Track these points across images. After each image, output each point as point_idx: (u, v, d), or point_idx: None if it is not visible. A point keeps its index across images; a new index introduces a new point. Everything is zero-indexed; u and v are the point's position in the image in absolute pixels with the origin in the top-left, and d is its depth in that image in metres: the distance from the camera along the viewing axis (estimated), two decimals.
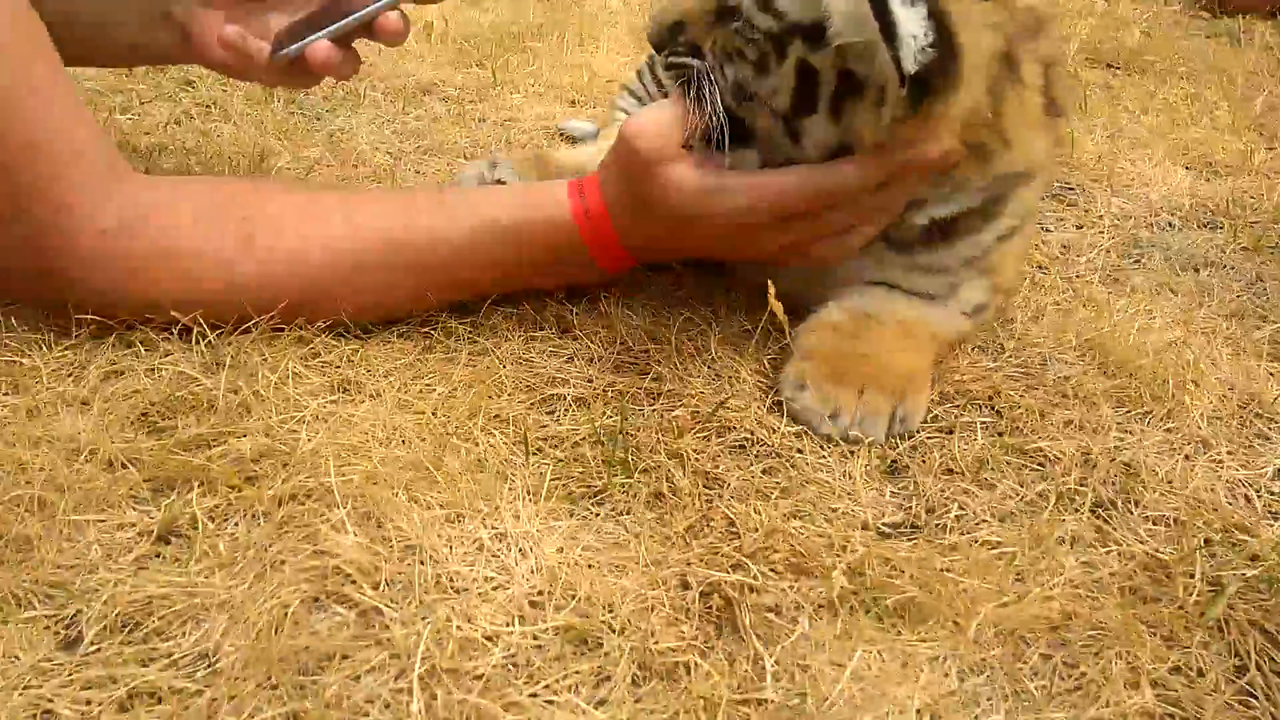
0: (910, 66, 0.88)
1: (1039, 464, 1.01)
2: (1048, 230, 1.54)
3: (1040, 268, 1.41)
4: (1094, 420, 1.08)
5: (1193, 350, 1.21)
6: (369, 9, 1.12)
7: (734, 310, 1.23)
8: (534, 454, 0.97)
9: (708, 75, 1.01)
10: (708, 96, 1.01)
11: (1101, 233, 1.53)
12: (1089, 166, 1.74)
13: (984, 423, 1.09)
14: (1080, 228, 1.55)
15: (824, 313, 1.15)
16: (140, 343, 1.04)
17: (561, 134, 1.76)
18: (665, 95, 1.63)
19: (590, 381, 1.10)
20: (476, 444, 0.96)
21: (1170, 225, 1.58)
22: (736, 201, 1.03)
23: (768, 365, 1.15)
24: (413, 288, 1.12)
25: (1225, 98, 2.15)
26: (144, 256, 1.03)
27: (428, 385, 1.05)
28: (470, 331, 1.16)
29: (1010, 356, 1.20)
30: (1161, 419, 1.09)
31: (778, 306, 1.04)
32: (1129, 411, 1.11)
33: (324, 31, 1.13)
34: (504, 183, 1.36)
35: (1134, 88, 2.19)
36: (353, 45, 1.18)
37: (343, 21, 1.13)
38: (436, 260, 1.10)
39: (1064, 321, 1.26)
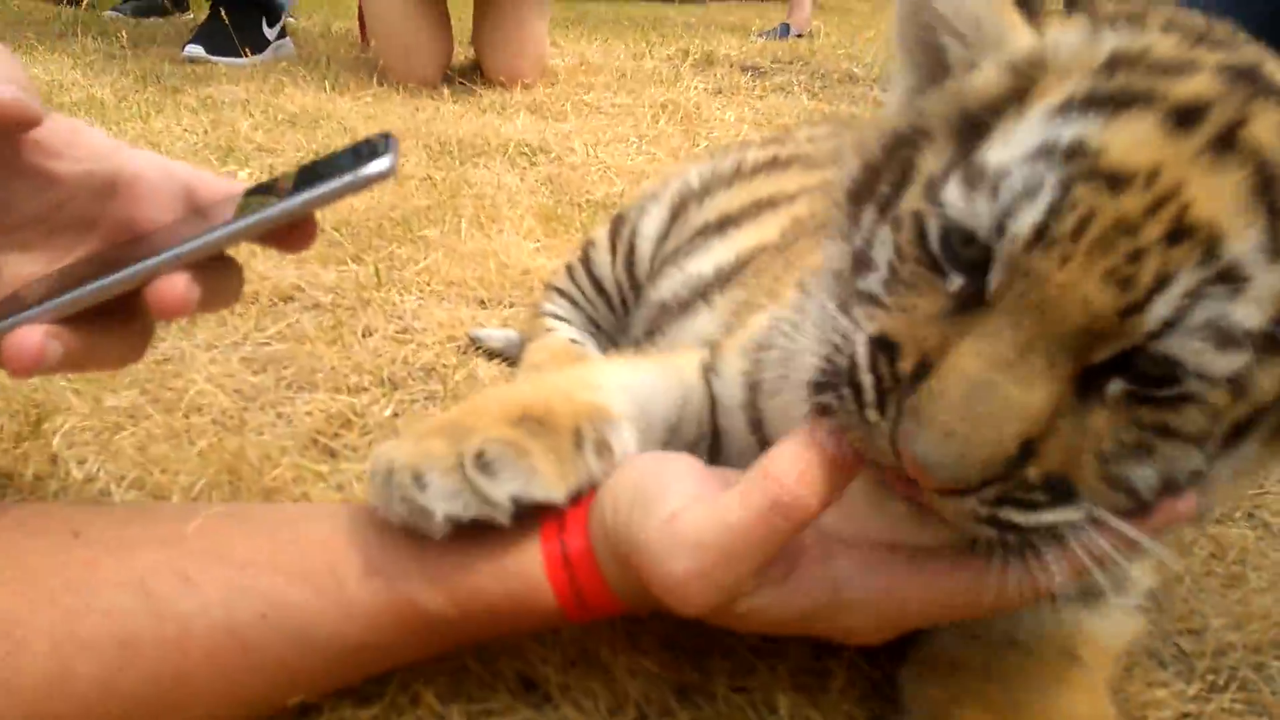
0: None
1: None
2: None
3: None
4: None
5: None
6: (135, 268, 0.65)
7: None
8: None
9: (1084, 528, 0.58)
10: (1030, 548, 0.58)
11: None
12: None
13: None
14: None
15: (937, 642, 0.75)
16: None
17: (475, 345, 1.34)
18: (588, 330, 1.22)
19: None
20: None
21: None
22: (856, 621, 0.66)
23: None
24: (266, 696, 0.69)
25: None
26: None
27: None
28: None
29: (1208, 672, 0.81)
30: None
31: None
32: None
33: (33, 312, 0.65)
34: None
35: None
36: (140, 312, 0.71)
37: (75, 294, 0.65)
38: (314, 663, 0.69)
39: (1241, 598, 0.90)
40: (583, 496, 0.72)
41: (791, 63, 4.04)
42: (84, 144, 0.74)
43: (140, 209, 0.75)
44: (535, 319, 1.31)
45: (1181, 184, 0.53)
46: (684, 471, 0.68)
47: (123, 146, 0.76)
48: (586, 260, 1.32)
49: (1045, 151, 0.55)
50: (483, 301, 1.50)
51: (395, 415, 1.14)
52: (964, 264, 0.58)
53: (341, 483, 1.02)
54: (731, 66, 3.81)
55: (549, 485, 0.68)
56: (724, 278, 1.11)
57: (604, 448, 0.73)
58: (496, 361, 1.31)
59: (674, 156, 2.50)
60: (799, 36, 4.96)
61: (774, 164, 1.21)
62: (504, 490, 0.66)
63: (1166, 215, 0.53)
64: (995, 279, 0.55)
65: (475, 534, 0.68)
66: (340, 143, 2.34)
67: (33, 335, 0.63)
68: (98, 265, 0.69)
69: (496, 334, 1.33)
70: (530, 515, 0.69)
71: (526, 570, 0.69)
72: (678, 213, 1.24)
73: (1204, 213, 0.53)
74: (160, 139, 2.32)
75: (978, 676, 0.72)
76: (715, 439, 0.85)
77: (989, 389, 0.53)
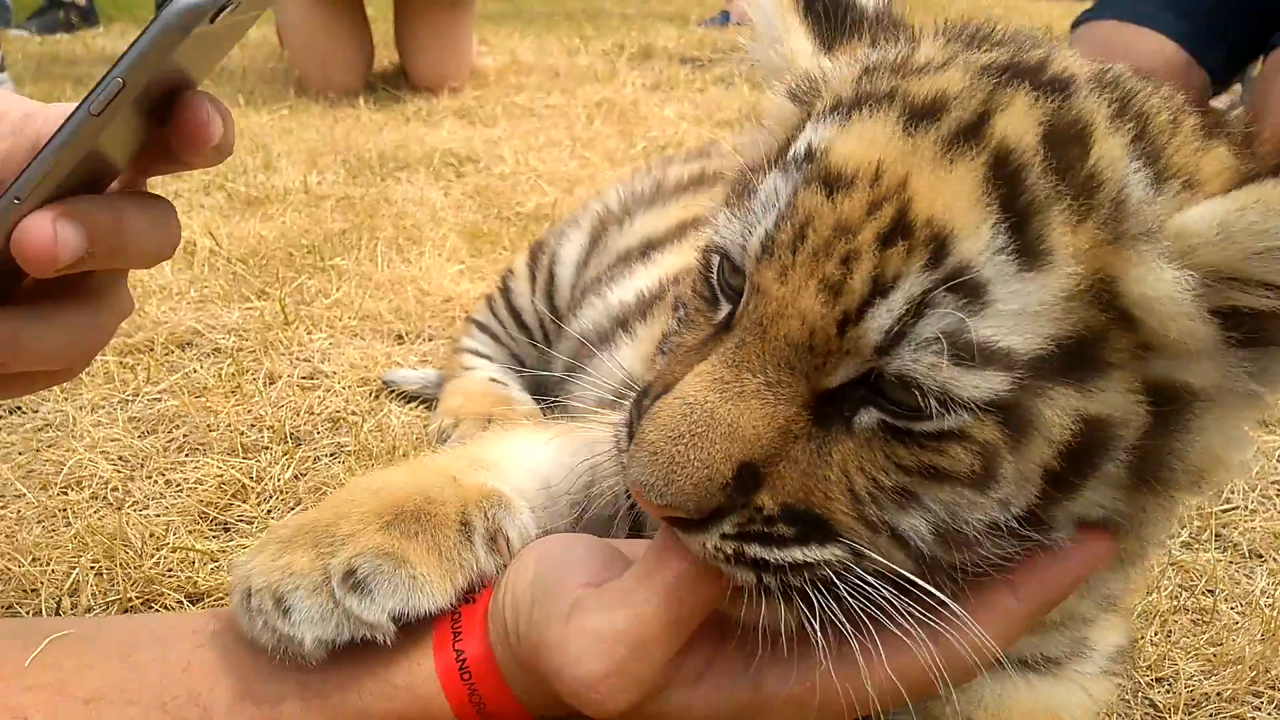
0: None
1: None
2: None
3: None
4: None
5: None
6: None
7: None
8: None
9: (852, 560, 0.51)
10: (829, 594, 0.51)
11: None
12: None
13: None
14: None
15: None
16: None
17: (388, 389, 1.24)
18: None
19: None
20: None
21: None
22: (787, 717, 0.58)
23: None
24: None
25: None
26: None
27: None
28: None
29: None
30: None
31: None
32: None
33: None
34: None
35: None
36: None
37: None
38: None
39: (1213, 635, 0.83)
40: (476, 593, 0.63)
41: (733, 52, 3.95)
42: None
43: None
44: (454, 356, 1.22)
45: (904, 181, 0.48)
46: (584, 556, 0.61)
47: None
48: (506, 290, 1.22)
49: (786, 163, 0.52)
50: (400, 336, 1.40)
51: (296, 477, 1.05)
52: (733, 292, 0.54)
53: (235, 562, 0.92)
54: (670, 59, 3.72)
55: (433, 593, 0.60)
56: (645, 305, 1.02)
57: (497, 537, 0.65)
58: (411, 406, 1.21)
59: (609, 160, 2.41)
60: (739, 24, 4.88)
61: (700, 180, 1.13)
62: (381, 609, 0.58)
63: (884, 215, 0.48)
64: (744, 301, 0.52)
65: (357, 647, 0.59)
66: (252, 161, 2.22)
67: None
68: None
69: (412, 375, 1.23)
70: (420, 621, 0.60)
71: (418, 685, 0.61)
72: (598, 237, 1.15)
73: (927, 210, 0.47)
74: None
75: None
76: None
77: (699, 410, 0.49)
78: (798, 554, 0.50)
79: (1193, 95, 1.96)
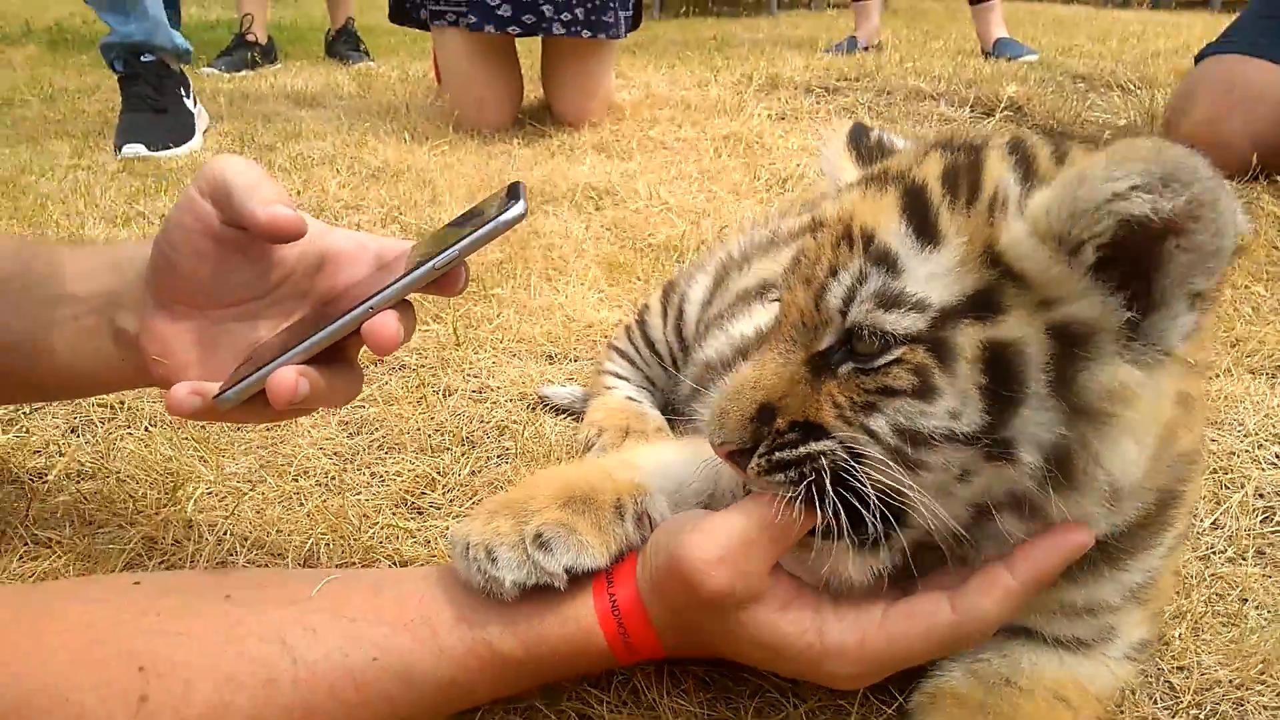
0: (1245, 226, 0.65)
1: None
2: None
3: None
4: None
5: None
6: (356, 311, 0.83)
7: None
8: None
9: (848, 454, 0.72)
10: (844, 487, 0.72)
11: (1212, 480, 1.27)
12: None
13: None
14: None
15: (944, 677, 0.87)
16: None
17: (543, 403, 1.48)
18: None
19: None
20: None
21: (1279, 459, 1.32)
22: (836, 669, 0.79)
23: None
24: None
25: (1256, 279, 1.96)
26: None
27: None
28: None
29: (1190, 706, 0.89)
30: None
31: None
32: None
33: (287, 356, 0.83)
34: None
35: None
36: (352, 359, 0.91)
37: (315, 338, 0.83)
38: (414, 696, 0.82)
39: (1235, 636, 0.98)
40: (626, 555, 0.85)
41: (858, 79, 4.06)
42: None
43: (341, 278, 0.95)
44: (597, 376, 1.45)
45: (852, 213, 0.74)
46: (703, 512, 0.83)
47: (327, 228, 0.96)
48: (642, 323, 1.45)
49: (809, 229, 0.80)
50: (550, 357, 1.64)
51: (473, 474, 1.29)
52: None
53: (429, 538, 1.17)
54: (796, 89, 3.88)
55: (595, 554, 0.82)
56: (763, 338, 1.23)
57: (642, 517, 0.87)
58: (562, 417, 1.45)
59: (734, 192, 2.61)
60: (865, 49, 4.97)
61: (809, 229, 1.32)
62: (558, 563, 0.80)
63: (837, 232, 0.74)
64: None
65: (539, 590, 0.82)
66: (420, 196, 2.53)
67: (289, 374, 0.82)
68: (315, 320, 0.88)
69: (562, 391, 1.47)
70: (584, 575, 0.83)
71: (582, 618, 0.83)
72: (720, 280, 1.37)
73: (861, 222, 0.73)
74: None
75: (976, 712, 0.83)
76: None
77: (740, 378, 0.76)
78: (803, 450, 0.73)
79: None
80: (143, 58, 3.13)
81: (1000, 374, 0.69)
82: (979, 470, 0.71)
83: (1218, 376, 1.54)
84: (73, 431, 1.41)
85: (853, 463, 0.72)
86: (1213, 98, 2.67)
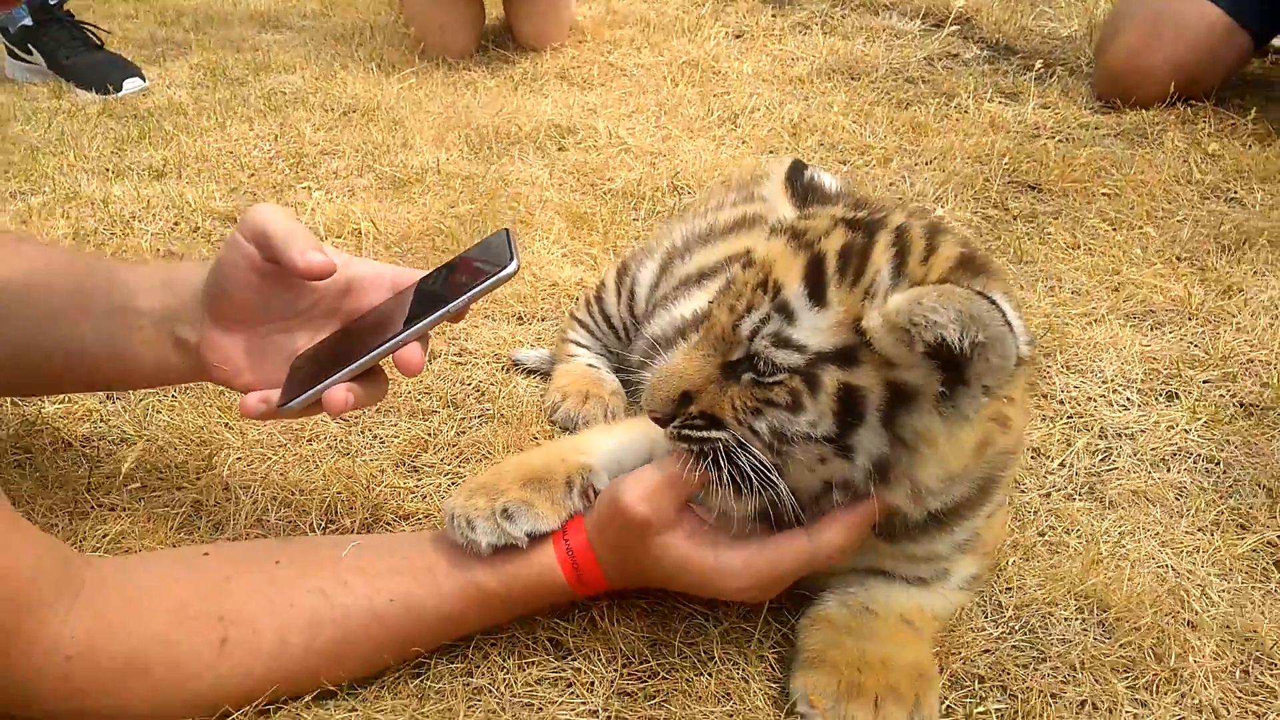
0: (1025, 352, 0.93)
1: None
2: None
3: (1018, 484, 1.41)
4: (1107, 698, 1.08)
5: (1184, 585, 1.22)
6: (390, 343, 1.10)
7: None
8: None
9: (736, 443, 0.99)
10: (731, 463, 0.99)
11: (1067, 425, 1.55)
12: (1040, 335, 1.76)
13: (999, 710, 1.08)
14: (1045, 419, 1.57)
15: (821, 606, 1.15)
16: None
17: (516, 365, 1.73)
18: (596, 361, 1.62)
19: (594, 716, 1.07)
20: None
21: (1128, 403, 1.60)
22: (728, 583, 1.07)
23: (774, 664, 1.13)
24: (397, 652, 1.11)
25: (1150, 219, 2.20)
26: (116, 674, 0.99)
27: None
28: (464, 671, 1.12)
29: (1010, 619, 1.19)
30: (1168, 683, 1.10)
31: None
32: (1137, 679, 1.11)
33: (339, 375, 1.10)
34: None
35: (1061, 217, 2.24)
36: (380, 372, 1.16)
37: (360, 362, 1.10)
38: (423, 628, 1.10)
39: (1056, 562, 1.27)
40: (575, 516, 1.12)
41: None
42: None
43: (365, 300, 1.21)
44: (562, 344, 1.69)
45: (773, 263, 0.98)
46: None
47: (351, 259, 1.22)
48: (600, 300, 1.69)
49: (743, 258, 1.05)
50: (520, 317, 1.88)
51: (459, 435, 1.55)
52: None
53: (426, 494, 1.43)
54: (753, 1, 3.96)
55: (548, 521, 1.10)
56: (698, 320, 1.47)
57: (588, 490, 1.14)
58: (533, 379, 1.70)
59: (689, 130, 2.79)
60: None
61: (742, 224, 1.55)
62: (520, 530, 1.08)
63: (759, 276, 0.99)
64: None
65: (510, 548, 1.09)
66: (392, 140, 2.69)
67: (340, 391, 1.10)
68: (346, 338, 1.16)
69: (533, 355, 1.71)
70: (542, 536, 1.10)
71: (545, 561, 1.10)
72: (665, 266, 1.60)
73: (776, 275, 0.98)
74: (238, 148, 2.69)
75: (842, 631, 1.11)
76: None
77: (670, 366, 1.03)
78: (706, 434, 1.00)
79: (1235, 57, 2.59)
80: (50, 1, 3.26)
81: (849, 405, 0.95)
82: (828, 460, 0.99)
83: (1093, 324, 1.80)
84: (110, 399, 1.64)
85: (737, 449, 0.99)
86: (1140, 28, 2.83)
